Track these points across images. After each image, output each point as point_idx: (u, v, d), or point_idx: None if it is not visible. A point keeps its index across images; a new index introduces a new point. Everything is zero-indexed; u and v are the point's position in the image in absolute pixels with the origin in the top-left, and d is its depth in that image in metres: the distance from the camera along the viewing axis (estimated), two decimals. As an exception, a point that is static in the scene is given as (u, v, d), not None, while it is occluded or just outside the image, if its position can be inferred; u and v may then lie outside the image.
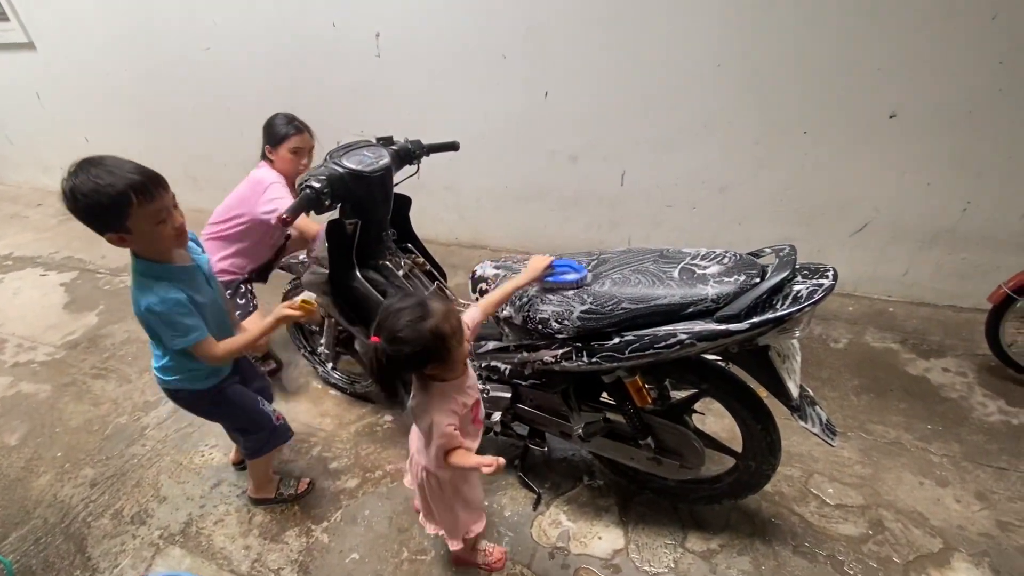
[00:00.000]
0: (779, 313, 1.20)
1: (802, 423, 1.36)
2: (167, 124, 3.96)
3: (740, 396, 1.48)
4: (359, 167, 1.65)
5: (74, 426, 2.32)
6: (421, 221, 3.37)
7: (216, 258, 2.18)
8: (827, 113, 2.35)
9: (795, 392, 1.35)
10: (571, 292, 1.46)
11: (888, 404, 2.15)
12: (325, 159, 1.68)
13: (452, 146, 2.02)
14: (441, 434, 1.24)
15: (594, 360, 1.41)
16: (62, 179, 1.21)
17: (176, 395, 1.59)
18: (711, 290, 1.28)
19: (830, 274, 1.25)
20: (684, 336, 1.28)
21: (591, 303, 1.40)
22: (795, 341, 1.41)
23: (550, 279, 1.48)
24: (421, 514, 1.53)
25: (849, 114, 2.33)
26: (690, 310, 1.29)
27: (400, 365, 1.19)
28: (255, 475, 1.88)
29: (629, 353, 1.37)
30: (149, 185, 1.22)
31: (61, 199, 1.21)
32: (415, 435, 1.42)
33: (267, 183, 2.09)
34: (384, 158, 1.73)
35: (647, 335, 1.34)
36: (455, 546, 1.50)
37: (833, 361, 2.40)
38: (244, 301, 2.26)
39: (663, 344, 1.31)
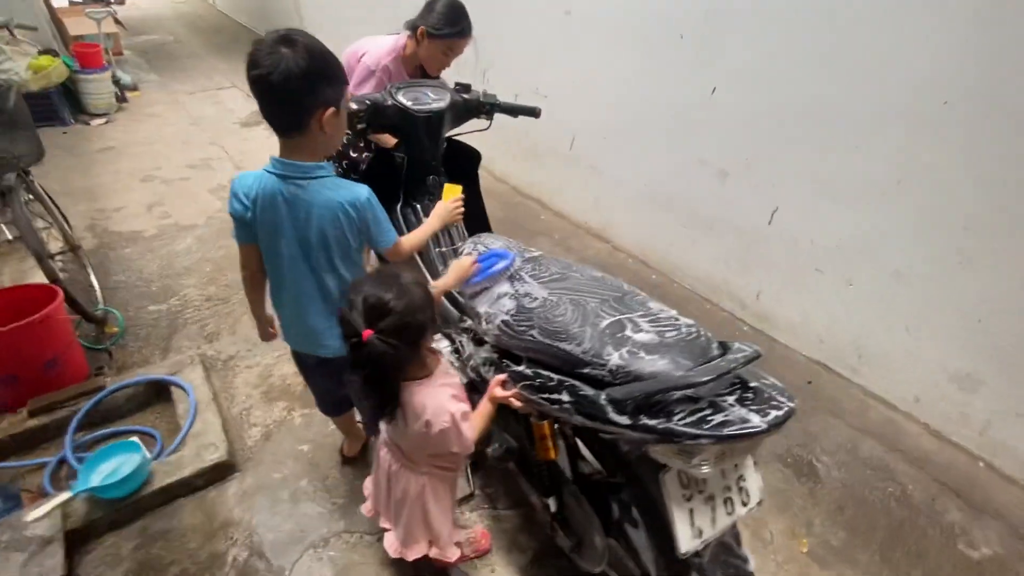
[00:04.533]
0: (664, 426, 0.85)
1: None
2: None
3: (648, 510, 1.12)
4: (408, 102, 1.64)
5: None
6: (562, 192, 3.28)
7: None
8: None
9: (688, 544, 0.96)
10: (507, 292, 1.26)
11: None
12: (388, 86, 1.71)
13: (532, 112, 1.86)
14: (463, 418, 1.12)
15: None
16: (277, 53, 1.09)
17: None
18: (615, 359, 0.96)
19: (780, 412, 0.82)
20: (566, 399, 1.01)
21: (512, 315, 1.19)
22: (743, 483, 0.99)
23: (479, 278, 1.34)
24: (398, 544, 1.34)
25: None
26: (586, 370, 1.00)
27: (402, 352, 1.00)
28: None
29: (520, 388, 1.14)
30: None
31: (279, 72, 1.09)
32: (388, 458, 1.28)
33: (363, 65, 2.05)
34: (442, 103, 1.69)
35: (541, 378, 1.09)
36: (453, 556, 1.35)
37: (948, 569, 1.64)
38: None
39: (547, 396, 1.05)
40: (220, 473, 1.83)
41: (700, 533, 0.97)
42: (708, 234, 2.56)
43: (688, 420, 0.84)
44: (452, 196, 1.60)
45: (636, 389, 0.89)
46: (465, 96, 1.77)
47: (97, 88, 4.80)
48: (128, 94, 5.35)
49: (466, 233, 1.95)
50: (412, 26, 2.05)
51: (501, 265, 1.34)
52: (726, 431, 0.80)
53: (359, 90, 2.01)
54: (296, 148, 1.21)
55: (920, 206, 1.82)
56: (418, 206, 1.82)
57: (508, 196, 3.75)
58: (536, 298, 1.19)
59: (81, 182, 3.77)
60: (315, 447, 1.95)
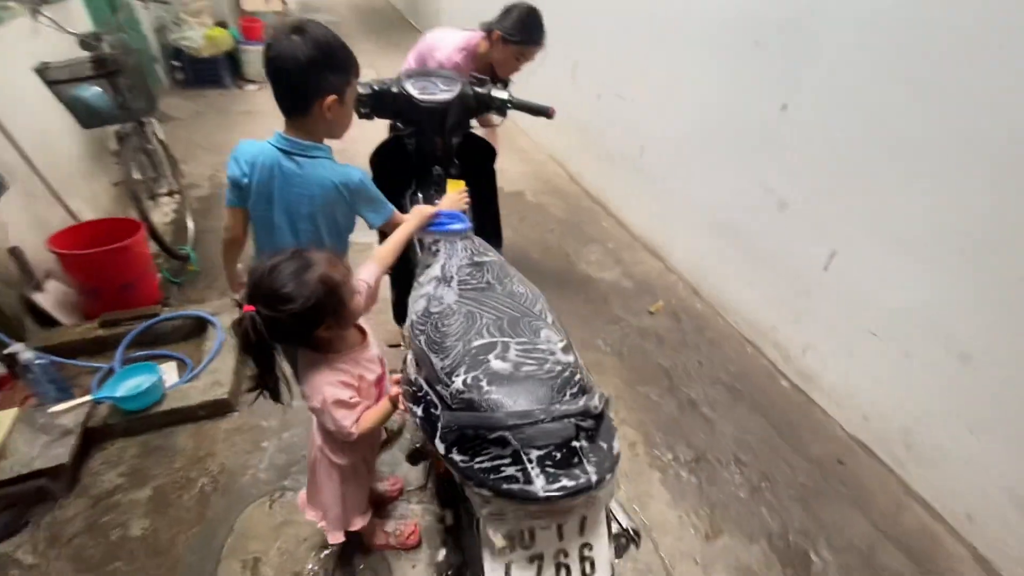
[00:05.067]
0: (466, 464, 0.77)
1: None
2: None
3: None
4: (414, 91, 1.65)
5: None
6: (627, 201, 3.11)
7: None
8: None
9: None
10: (428, 292, 1.22)
11: None
12: (400, 74, 1.73)
13: (544, 112, 1.76)
14: (336, 407, 1.12)
15: None
16: (286, 40, 1.18)
17: None
18: (458, 382, 0.90)
19: (571, 484, 0.71)
20: (420, 413, 0.97)
21: (417, 316, 1.16)
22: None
23: (435, 227, 1.40)
24: (304, 499, 1.42)
25: None
26: (438, 388, 0.95)
27: (285, 331, 1.03)
28: None
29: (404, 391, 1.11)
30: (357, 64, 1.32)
31: (285, 57, 1.18)
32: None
33: (435, 61, 2.12)
34: (450, 94, 1.67)
35: (414, 386, 1.05)
36: (336, 539, 1.39)
37: None
38: None
39: (412, 405, 1.02)
40: (219, 409, 2.04)
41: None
42: (761, 270, 2.25)
43: (484, 465, 0.76)
44: (457, 189, 1.65)
45: (455, 419, 0.83)
46: (477, 90, 1.73)
47: (255, 58, 5.50)
48: (282, 65, 6.06)
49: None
50: (488, 28, 2.12)
51: (459, 227, 1.38)
52: (503, 487, 0.71)
53: None
54: (300, 128, 1.31)
55: (1006, 278, 1.43)
56: (420, 196, 1.83)
57: (576, 198, 3.63)
58: (443, 304, 1.14)
59: (219, 137, 4.36)
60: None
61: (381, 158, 1.83)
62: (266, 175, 1.32)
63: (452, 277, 1.27)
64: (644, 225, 3.06)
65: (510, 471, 0.74)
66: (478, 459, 0.77)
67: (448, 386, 0.91)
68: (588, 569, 0.90)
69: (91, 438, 1.89)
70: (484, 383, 0.87)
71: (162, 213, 3.17)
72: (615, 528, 1.15)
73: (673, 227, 2.80)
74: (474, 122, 1.85)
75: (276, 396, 1.15)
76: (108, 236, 2.35)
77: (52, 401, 1.95)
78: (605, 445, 0.79)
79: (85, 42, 2.50)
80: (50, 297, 2.34)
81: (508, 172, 3.97)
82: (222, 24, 5.32)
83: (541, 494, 0.69)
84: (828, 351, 2.00)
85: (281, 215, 1.36)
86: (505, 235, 3.12)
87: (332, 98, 1.24)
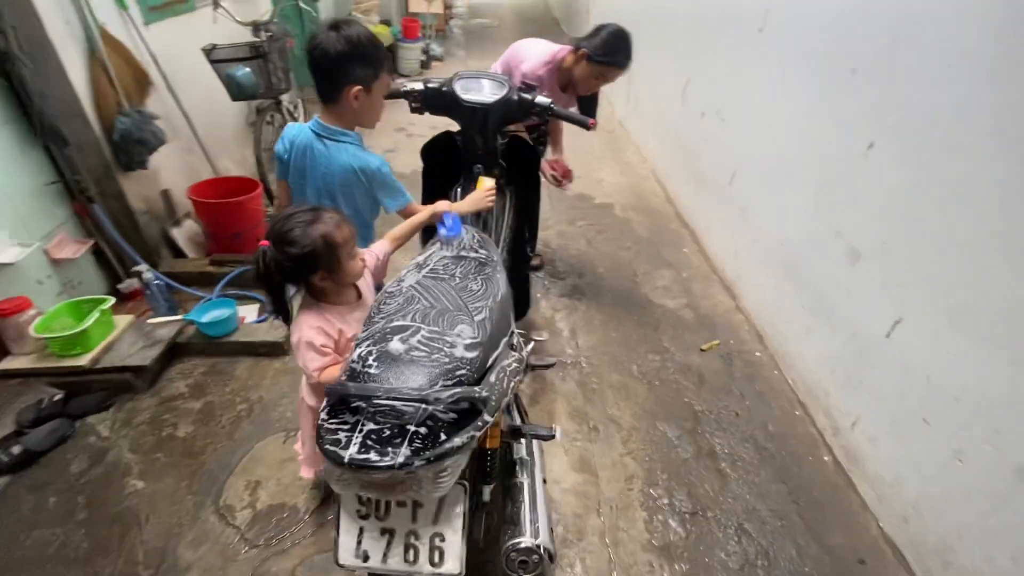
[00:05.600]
0: (322, 424, 0.85)
1: None
2: None
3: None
4: (459, 91, 1.75)
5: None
6: (711, 229, 2.95)
7: None
8: None
9: (346, 558, 0.94)
10: (402, 275, 1.31)
11: None
12: (455, 74, 1.84)
13: (583, 123, 1.75)
14: (307, 348, 1.23)
15: None
16: (324, 34, 1.35)
17: None
18: (355, 353, 0.97)
19: (376, 460, 0.75)
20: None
21: (383, 293, 1.26)
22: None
23: (441, 227, 1.43)
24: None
25: None
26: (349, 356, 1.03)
27: (287, 270, 1.19)
28: None
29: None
30: (391, 61, 1.65)
31: (320, 50, 1.34)
32: None
33: (520, 72, 2.20)
34: (494, 98, 1.74)
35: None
36: (306, 473, 1.60)
37: None
38: None
39: None
40: (275, 350, 2.35)
41: (365, 557, 0.92)
42: (824, 325, 1.99)
43: (328, 426, 0.83)
44: (485, 187, 1.72)
45: (328, 387, 0.90)
46: (522, 95, 1.78)
47: (408, 55, 6.06)
48: (433, 63, 6.60)
49: (503, 226, 2.00)
50: (576, 44, 2.19)
51: (443, 233, 1.40)
52: (324, 446, 0.77)
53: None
54: (332, 114, 1.51)
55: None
56: (459, 190, 1.93)
57: (665, 219, 3.47)
58: (399, 284, 1.22)
59: (359, 122, 4.89)
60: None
61: (431, 151, 1.96)
62: (300, 154, 1.52)
63: (427, 265, 1.34)
64: (723, 257, 2.85)
65: (340, 436, 0.79)
66: (329, 422, 0.84)
67: (350, 358, 0.99)
68: (436, 558, 0.92)
69: (175, 351, 2.30)
70: (371, 359, 0.93)
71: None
72: (526, 543, 1.14)
73: (749, 263, 2.57)
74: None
75: (287, 320, 1.34)
76: (234, 191, 2.81)
77: (163, 315, 2.41)
78: (446, 438, 0.81)
79: (254, 28, 3.03)
80: (183, 233, 2.88)
81: (605, 183, 3.92)
82: (386, 22, 5.95)
83: (345, 460, 0.74)
84: (878, 430, 1.71)
85: (311, 190, 1.56)
86: (578, 246, 3.16)
87: (358, 88, 1.41)
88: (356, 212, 1.60)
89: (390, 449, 0.76)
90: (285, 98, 3.24)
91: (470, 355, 0.97)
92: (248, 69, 2.85)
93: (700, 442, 2.02)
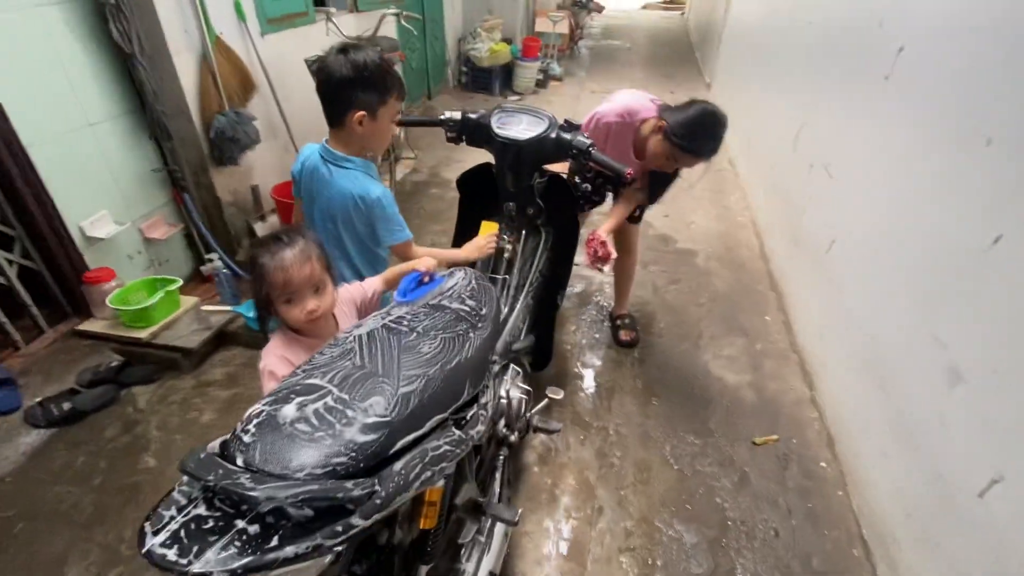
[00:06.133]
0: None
1: None
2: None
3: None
4: (495, 125, 1.64)
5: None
6: (798, 299, 2.61)
7: None
8: None
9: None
10: (378, 315, 1.22)
11: None
12: (497, 106, 1.73)
13: (618, 172, 1.53)
14: (269, 376, 1.19)
15: None
16: (331, 57, 1.33)
17: None
18: (250, 409, 0.89)
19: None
20: None
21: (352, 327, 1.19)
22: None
23: (417, 293, 1.24)
24: None
25: None
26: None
27: (254, 294, 1.18)
28: None
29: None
30: (403, 86, 1.48)
31: (325, 73, 1.33)
32: None
33: (600, 110, 2.08)
34: (530, 135, 1.61)
35: None
36: None
37: None
38: None
39: None
40: (307, 354, 2.40)
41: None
42: (905, 454, 1.56)
43: (175, 493, 0.74)
44: (488, 232, 1.67)
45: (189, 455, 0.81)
46: (562, 135, 1.62)
47: (525, 73, 6.10)
48: (551, 82, 6.58)
49: (532, 268, 1.86)
50: (661, 112, 1.91)
51: (400, 299, 1.22)
52: (144, 521, 0.69)
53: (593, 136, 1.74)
54: (337, 139, 1.49)
55: None
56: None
57: (753, 277, 3.05)
58: (356, 330, 1.12)
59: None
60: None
61: (467, 182, 1.88)
62: (308, 175, 1.51)
63: (397, 312, 1.24)
64: (808, 335, 2.42)
65: (166, 513, 0.71)
66: (181, 487, 0.76)
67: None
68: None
69: (223, 338, 2.45)
70: (253, 424, 0.85)
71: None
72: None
73: (837, 350, 2.14)
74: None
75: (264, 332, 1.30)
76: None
77: (227, 303, 2.59)
78: (277, 544, 0.69)
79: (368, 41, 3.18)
80: (266, 228, 3.08)
81: (695, 226, 3.58)
82: (507, 40, 6.03)
83: (143, 550, 0.65)
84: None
85: (317, 214, 1.55)
86: (643, 294, 2.89)
87: (361, 114, 1.36)
88: (358, 240, 1.56)
89: (196, 547, 0.66)
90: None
91: (362, 439, 0.84)
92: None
93: (719, 558, 1.70)
